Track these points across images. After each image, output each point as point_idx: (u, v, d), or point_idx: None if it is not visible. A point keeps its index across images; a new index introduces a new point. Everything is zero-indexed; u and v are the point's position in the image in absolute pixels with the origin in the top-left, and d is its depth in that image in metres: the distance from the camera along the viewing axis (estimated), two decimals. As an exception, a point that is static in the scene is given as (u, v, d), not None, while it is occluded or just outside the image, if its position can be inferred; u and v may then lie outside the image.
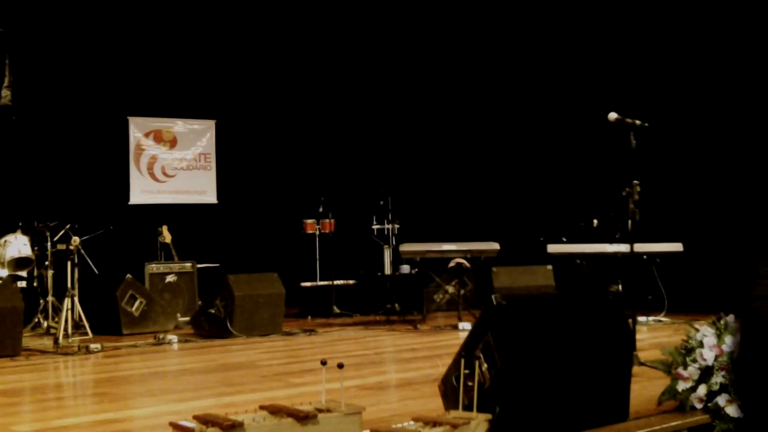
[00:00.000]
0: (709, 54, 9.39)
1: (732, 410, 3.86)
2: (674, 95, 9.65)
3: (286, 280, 8.79)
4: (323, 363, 3.50)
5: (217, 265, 10.21)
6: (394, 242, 10.49)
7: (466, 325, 8.23)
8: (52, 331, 8.07)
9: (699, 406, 3.97)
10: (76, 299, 7.69)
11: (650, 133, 5.81)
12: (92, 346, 7.19)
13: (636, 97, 9.30)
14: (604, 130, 5.95)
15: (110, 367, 6.48)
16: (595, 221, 8.65)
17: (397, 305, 9.88)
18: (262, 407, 3.42)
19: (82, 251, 8.58)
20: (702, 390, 3.97)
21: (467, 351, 3.68)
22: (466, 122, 11.78)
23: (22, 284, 8.49)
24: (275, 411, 3.38)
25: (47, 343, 7.73)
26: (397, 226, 10.59)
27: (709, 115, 9.40)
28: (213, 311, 8.27)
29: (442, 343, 7.45)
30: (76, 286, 7.99)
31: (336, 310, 10.08)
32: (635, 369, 4.49)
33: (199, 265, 9.61)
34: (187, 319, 8.91)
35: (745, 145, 8.94)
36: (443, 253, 9.27)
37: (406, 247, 9.12)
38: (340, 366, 3.45)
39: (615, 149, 6.08)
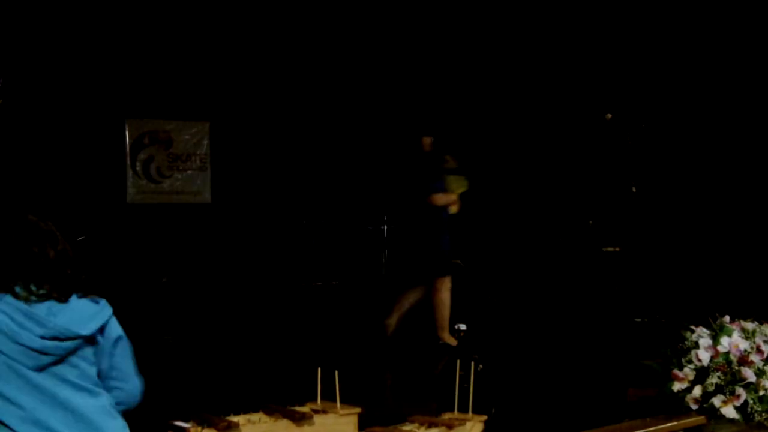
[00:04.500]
0: (706, 55, 9.40)
1: (728, 411, 3.87)
2: (672, 95, 9.66)
3: (284, 281, 8.78)
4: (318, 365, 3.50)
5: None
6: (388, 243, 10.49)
7: (461, 326, 8.21)
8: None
9: (694, 407, 3.98)
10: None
11: (648, 133, 5.81)
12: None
13: (634, 97, 9.31)
14: (600, 130, 5.96)
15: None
16: (590, 221, 8.66)
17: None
18: (258, 408, 3.42)
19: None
20: (697, 391, 3.98)
21: (463, 351, 3.68)
22: (462, 121, 11.76)
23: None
24: (271, 412, 3.38)
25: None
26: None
27: (708, 116, 9.41)
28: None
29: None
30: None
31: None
32: (631, 369, 4.50)
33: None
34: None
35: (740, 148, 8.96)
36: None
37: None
38: (336, 369, 3.46)
39: (611, 149, 6.09)
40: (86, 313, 2.55)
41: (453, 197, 7.46)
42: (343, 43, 11.86)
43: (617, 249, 8.42)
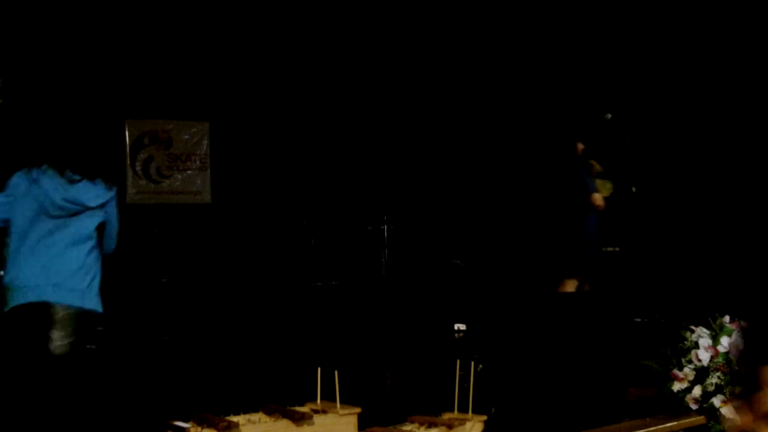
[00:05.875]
0: (704, 55, 9.39)
1: (728, 411, 3.87)
2: (672, 95, 9.65)
3: (284, 281, 8.78)
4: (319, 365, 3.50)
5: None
6: (388, 243, 10.48)
7: (461, 326, 8.20)
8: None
9: (694, 407, 3.98)
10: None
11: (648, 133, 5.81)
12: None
13: (634, 97, 9.30)
14: (600, 130, 5.95)
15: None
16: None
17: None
18: (258, 408, 3.42)
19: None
20: (697, 391, 3.98)
21: (463, 351, 3.68)
22: (461, 120, 11.75)
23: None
24: (271, 412, 3.38)
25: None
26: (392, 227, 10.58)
27: (708, 116, 9.40)
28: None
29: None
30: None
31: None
32: (631, 369, 4.49)
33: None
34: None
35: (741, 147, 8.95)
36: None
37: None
38: (335, 369, 3.45)
39: (611, 149, 6.08)
40: (92, 192, 4.31)
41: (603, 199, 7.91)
42: (338, 43, 11.85)
43: (617, 249, 8.42)
